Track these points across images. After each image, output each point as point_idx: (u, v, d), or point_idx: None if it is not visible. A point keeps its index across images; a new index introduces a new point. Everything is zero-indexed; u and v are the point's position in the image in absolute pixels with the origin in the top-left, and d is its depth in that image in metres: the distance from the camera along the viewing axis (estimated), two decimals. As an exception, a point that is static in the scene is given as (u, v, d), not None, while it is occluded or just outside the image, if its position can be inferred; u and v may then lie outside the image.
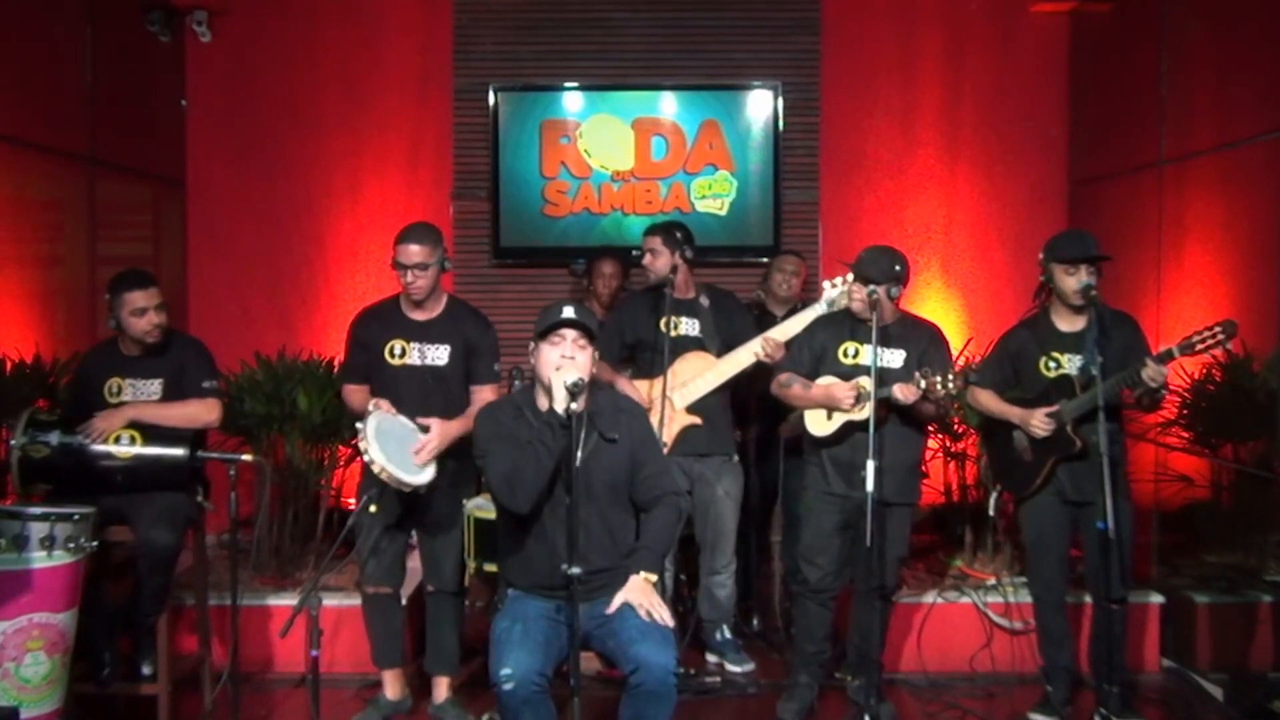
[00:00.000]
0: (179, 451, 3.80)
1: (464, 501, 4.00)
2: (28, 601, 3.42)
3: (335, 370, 4.82)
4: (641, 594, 3.10)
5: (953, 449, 4.93)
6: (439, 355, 3.86)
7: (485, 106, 5.80)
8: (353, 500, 4.66)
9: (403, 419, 3.70)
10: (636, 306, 4.50)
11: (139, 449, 3.77)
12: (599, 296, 5.05)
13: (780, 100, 5.78)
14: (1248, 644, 4.32)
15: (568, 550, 2.99)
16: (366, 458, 3.53)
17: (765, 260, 5.33)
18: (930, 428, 4.27)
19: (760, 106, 5.82)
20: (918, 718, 4.12)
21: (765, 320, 4.76)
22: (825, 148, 5.88)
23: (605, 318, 4.69)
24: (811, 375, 3.93)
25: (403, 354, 3.86)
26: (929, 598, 4.52)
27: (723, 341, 4.38)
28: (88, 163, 4.96)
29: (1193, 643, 4.46)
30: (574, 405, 3.04)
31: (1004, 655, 4.39)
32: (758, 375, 4.38)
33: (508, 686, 2.95)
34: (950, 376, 3.63)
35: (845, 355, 3.91)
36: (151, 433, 3.80)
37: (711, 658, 4.51)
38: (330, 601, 4.21)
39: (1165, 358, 3.59)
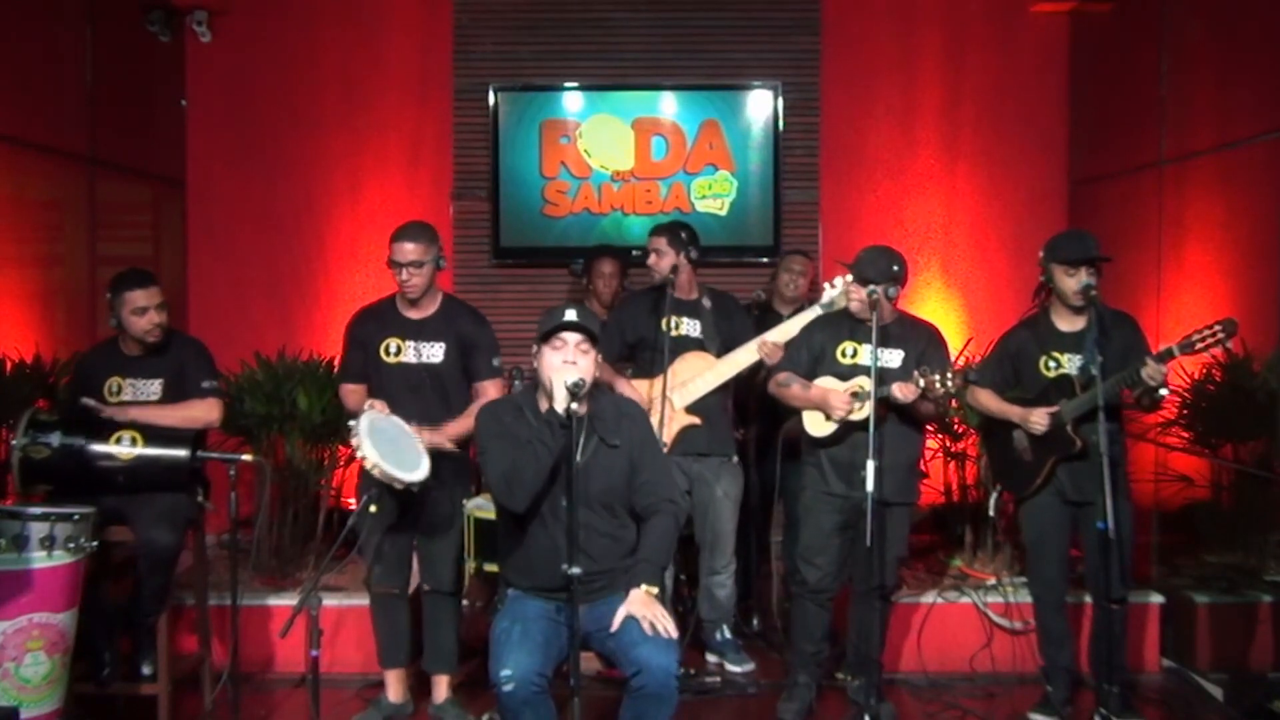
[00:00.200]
0: (180, 452, 3.79)
1: (463, 502, 3.99)
2: (28, 601, 3.41)
3: (335, 370, 4.81)
4: (644, 607, 3.07)
5: (953, 449, 4.93)
6: (434, 353, 3.85)
7: (485, 106, 5.80)
8: (353, 500, 4.66)
9: (396, 419, 3.67)
10: (638, 306, 4.50)
11: (140, 449, 3.77)
12: (599, 296, 5.03)
13: (780, 100, 5.78)
14: (1248, 644, 4.32)
15: (568, 550, 3.00)
16: (359, 454, 3.51)
17: (765, 260, 5.33)
18: (930, 427, 4.27)
19: (760, 106, 5.81)
20: (918, 718, 4.12)
21: (770, 319, 4.74)
22: (825, 148, 5.88)
23: (606, 317, 4.69)
24: (810, 375, 3.92)
25: (398, 352, 3.86)
26: (929, 598, 4.52)
27: (722, 342, 4.38)
28: (88, 163, 4.96)
29: (1193, 643, 4.46)
30: (574, 406, 3.04)
31: (1004, 655, 4.40)
32: (757, 375, 4.38)
33: (508, 687, 2.95)
34: (949, 375, 3.64)
35: (844, 355, 3.91)
36: (152, 433, 3.79)
37: (711, 658, 4.50)
38: (330, 601, 4.20)
39: (1165, 356, 3.59)
